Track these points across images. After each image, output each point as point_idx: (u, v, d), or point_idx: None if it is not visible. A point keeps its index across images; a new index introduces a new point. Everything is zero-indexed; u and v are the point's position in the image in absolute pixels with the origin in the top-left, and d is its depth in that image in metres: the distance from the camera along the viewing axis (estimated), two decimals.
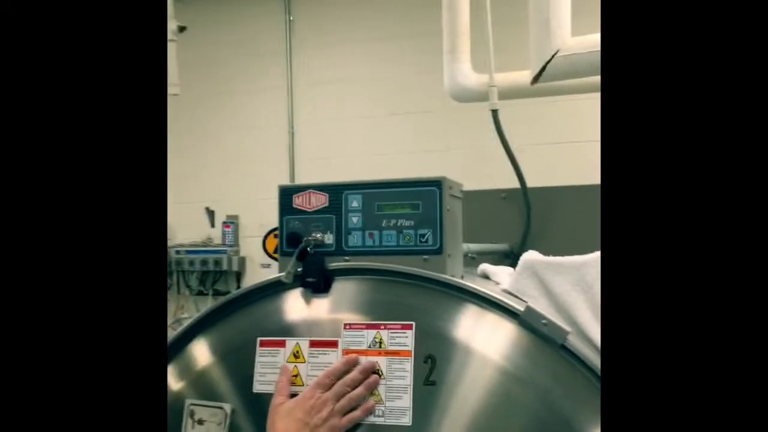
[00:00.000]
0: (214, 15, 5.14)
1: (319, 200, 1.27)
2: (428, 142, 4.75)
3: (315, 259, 1.23)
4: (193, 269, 5.16)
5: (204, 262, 5.10)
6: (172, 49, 2.24)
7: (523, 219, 1.93)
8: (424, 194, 1.20)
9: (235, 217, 5.17)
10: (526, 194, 1.92)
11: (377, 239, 1.23)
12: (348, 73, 4.97)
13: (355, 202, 1.24)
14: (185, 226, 5.28)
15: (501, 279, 1.28)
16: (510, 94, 2.20)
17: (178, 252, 5.20)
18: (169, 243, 5.30)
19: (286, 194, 1.29)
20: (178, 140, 5.28)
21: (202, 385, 1.25)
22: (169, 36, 2.20)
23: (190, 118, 5.21)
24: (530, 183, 1.94)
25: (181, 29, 2.31)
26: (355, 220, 1.24)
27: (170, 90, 2.27)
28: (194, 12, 4.54)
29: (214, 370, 1.25)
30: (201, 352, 1.28)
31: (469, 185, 1.33)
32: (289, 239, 1.27)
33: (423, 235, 1.20)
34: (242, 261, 5.17)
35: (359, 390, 1.11)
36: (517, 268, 1.23)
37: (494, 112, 2.02)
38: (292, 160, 5.10)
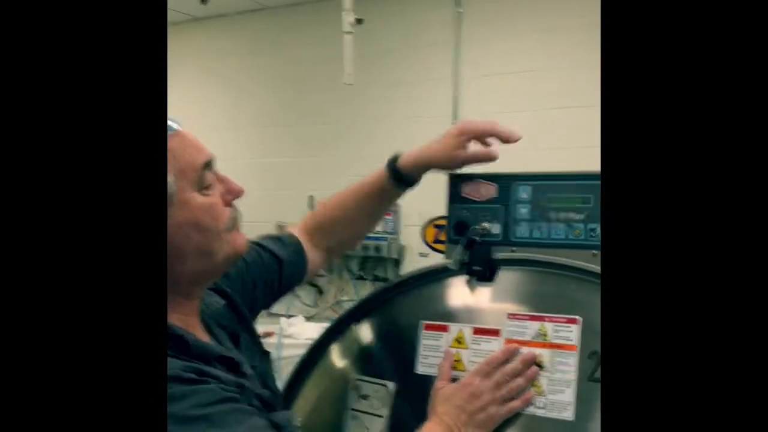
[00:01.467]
0: (386, 7, 5.25)
1: (488, 190, 1.27)
2: (590, 138, 4.58)
3: (482, 248, 1.24)
4: (354, 254, 5.31)
5: (365, 248, 5.22)
6: (348, 41, 2.30)
7: None
8: (596, 188, 1.17)
9: (397, 205, 5.26)
10: None
11: (545, 231, 1.22)
12: (513, 65, 4.90)
13: (524, 193, 1.24)
14: None
15: None
16: None
17: None
18: None
19: (456, 183, 1.31)
20: (346, 127, 5.46)
21: (366, 363, 1.30)
22: (347, 28, 2.27)
23: (359, 107, 5.37)
24: None
25: (359, 21, 2.37)
26: (523, 211, 1.24)
27: (345, 80, 2.35)
28: (366, 4, 4.67)
29: (378, 349, 1.30)
30: (366, 332, 1.33)
31: None
32: (456, 227, 1.28)
33: (593, 230, 1.18)
34: (401, 249, 5.25)
35: (519, 380, 1.10)
36: None
37: None
38: None
